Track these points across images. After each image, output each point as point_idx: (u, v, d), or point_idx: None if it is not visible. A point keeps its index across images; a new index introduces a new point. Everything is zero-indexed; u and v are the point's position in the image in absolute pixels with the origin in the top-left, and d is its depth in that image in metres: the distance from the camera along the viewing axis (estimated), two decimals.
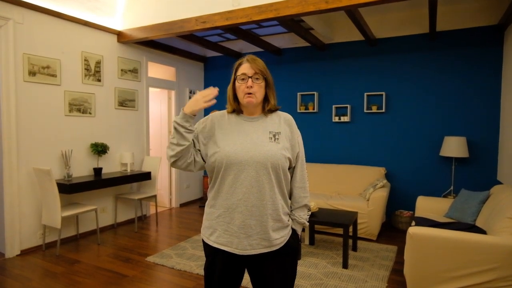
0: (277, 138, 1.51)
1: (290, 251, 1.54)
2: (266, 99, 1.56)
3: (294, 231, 1.57)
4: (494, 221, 2.68)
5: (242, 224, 1.44)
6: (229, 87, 1.57)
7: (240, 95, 1.51)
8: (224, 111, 1.62)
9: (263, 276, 1.51)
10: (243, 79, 1.49)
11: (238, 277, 1.55)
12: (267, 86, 1.54)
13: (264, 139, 1.49)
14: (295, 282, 2.86)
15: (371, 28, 4.68)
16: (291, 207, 1.60)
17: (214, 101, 1.50)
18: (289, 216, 1.57)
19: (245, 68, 1.50)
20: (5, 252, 3.62)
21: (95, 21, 4.39)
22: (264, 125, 1.54)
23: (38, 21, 3.80)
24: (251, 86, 1.47)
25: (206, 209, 1.57)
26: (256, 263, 1.50)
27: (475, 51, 4.36)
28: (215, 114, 1.64)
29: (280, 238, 1.49)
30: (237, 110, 1.57)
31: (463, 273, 2.43)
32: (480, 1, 4.20)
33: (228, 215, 1.46)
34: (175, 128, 1.47)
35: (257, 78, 1.49)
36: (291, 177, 1.58)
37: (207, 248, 1.54)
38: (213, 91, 1.49)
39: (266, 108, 1.56)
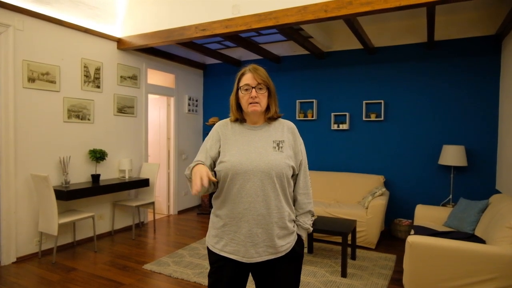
0: (281, 147, 1.52)
1: (295, 257, 1.56)
2: (267, 107, 1.57)
3: (299, 237, 1.59)
4: (493, 231, 2.67)
5: (248, 233, 1.45)
6: (232, 97, 1.59)
7: (244, 104, 1.53)
8: (227, 120, 1.63)
9: (268, 282, 1.53)
10: (246, 89, 1.51)
11: (242, 284, 1.57)
12: (269, 94, 1.55)
13: (268, 148, 1.51)
14: None
15: (369, 37, 4.71)
16: (295, 213, 1.61)
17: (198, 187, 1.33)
18: (294, 223, 1.59)
19: (248, 78, 1.52)
20: (1, 260, 3.59)
21: (95, 28, 4.41)
22: (267, 134, 1.55)
23: (38, 28, 3.82)
24: (256, 96, 1.50)
25: (212, 216, 1.59)
26: (262, 270, 1.52)
27: (473, 60, 4.39)
28: (219, 123, 1.65)
29: (285, 244, 1.51)
30: (240, 119, 1.60)
31: (462, 282, 2.41)
32: (478, 11, 4.24)
33: (235, 224, 1.48)
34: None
35: (260, 88, 1.51)
36: (295, 184, 1.60)
37: (213, 255, 1.55)
38: (204, 181, 1.33)
39: (267, 116, 1.57)
